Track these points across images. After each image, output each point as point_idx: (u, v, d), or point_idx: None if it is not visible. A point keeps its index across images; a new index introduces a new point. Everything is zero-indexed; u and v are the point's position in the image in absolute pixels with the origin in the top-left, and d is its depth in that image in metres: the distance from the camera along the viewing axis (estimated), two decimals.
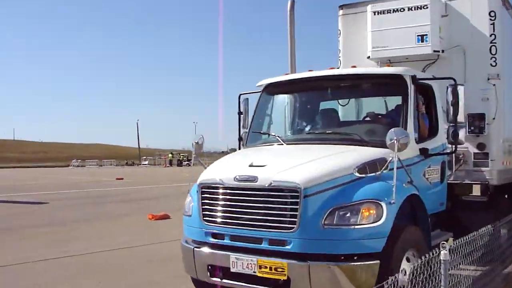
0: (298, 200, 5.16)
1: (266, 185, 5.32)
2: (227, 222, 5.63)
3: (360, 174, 5.50)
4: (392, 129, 5.50)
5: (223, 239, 5.67)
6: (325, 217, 5.15)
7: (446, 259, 4.80)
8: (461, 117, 6.40)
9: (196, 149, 6.77)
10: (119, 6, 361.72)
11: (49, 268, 9.14)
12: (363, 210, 5.18)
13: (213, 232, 5.75)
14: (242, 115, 7.74)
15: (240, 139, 7.69)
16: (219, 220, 5.71)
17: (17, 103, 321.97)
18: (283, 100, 7.82)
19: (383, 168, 5.48)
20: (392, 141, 5.38)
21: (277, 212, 5.31)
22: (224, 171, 5.92)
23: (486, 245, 6.86)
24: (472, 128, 7.94)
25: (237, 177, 5.56)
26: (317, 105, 7.61)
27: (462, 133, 6.63)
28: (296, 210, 5.17)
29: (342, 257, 5.15)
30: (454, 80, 6.34)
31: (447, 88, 6.31)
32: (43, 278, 8.42)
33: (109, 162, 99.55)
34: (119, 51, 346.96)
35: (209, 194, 5.83)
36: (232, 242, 5.59)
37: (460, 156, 7.95)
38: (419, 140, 6.52)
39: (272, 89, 7.45)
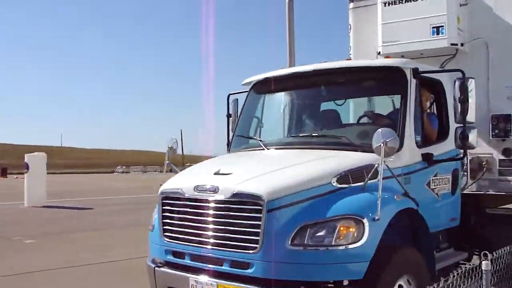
0: (260, 215, 4.36)
1: (226, 197, 4.54)
2: (187, 239, 4.88)
3: (340, 184, 4.66)
4: (379, 130, 4.58)
5: (184, 259, 4.92)
6: (293, 235, 4.32)
7: (488, 269, 4.27)
8: (472, 116, 5.43)
9: (170, 154, 6.09)
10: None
11: (91, 273, 9.18)
12: (340, 228, 4.32)
13: (173, 250, 5.02)
14: (231, 118, 6.99)
15: (228, 144, 6.93)
16: (179, 236, 4.97)
17: (62, 112, 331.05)
18: (272, 100, 6.88)
19: (368, 177, 4.60)
20: (379, 144, 4.49)
21: (238, 229, 4.51)
22: (187, 179, 5.18)
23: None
24: (497, 131, 6.91)
25: (198, 186, 4.81)
26: (308, 104, 6.68)
27: (473, 135, 5.61)
28: (258, 226, 4.37)
29: (331, 284, 4.34)
30: (463, 72, 5.35)
31: (454, 82, 5.34)
32: (84, 282, 8.49)
33: (153, 168, 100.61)
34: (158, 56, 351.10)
35: (169, 206, 5.11)
36: (193, 262, 4.84)
37: (483, 163, 6.96)
38: (423, 144, 5.58)
39: (260, 87, 6.57)
